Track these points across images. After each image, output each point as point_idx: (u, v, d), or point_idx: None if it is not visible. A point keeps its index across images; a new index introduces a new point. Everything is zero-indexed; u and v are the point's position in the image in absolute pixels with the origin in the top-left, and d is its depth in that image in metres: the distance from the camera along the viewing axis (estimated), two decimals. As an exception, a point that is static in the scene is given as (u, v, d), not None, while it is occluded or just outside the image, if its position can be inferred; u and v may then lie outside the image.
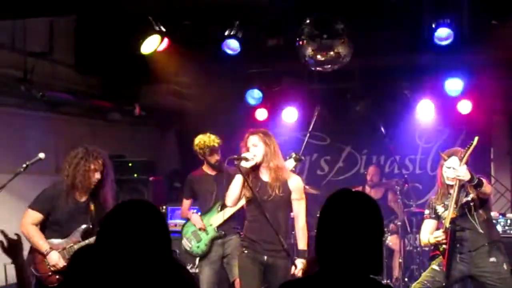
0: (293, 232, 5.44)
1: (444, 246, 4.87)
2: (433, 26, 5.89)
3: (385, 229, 7.39)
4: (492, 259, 4.83)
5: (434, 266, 5.02)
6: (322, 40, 5.96)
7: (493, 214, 6.12)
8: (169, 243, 2.42)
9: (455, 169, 4.82)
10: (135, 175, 7.98)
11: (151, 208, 2.43)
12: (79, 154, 4.73)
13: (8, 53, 6.38)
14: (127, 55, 6.56)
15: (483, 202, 4.91)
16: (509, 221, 6.87)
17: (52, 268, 4.59)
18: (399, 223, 7.34)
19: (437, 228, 5.05)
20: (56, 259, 4.57)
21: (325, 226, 2.28)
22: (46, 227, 4.77)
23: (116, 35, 6.62)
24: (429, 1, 5.99)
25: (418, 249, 7.25)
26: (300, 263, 4.63)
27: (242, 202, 5.06)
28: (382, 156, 9.16)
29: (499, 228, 6.57)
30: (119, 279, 2.29)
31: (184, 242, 6.10)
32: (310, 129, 6.86)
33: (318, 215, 2.37)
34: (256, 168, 4.82)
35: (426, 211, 5.21)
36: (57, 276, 4.57)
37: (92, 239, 4.63)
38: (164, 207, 7.81)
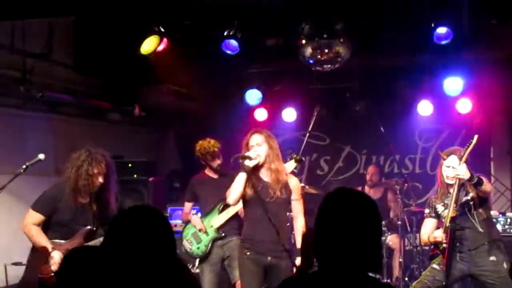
0: (292, 233, 5.45)
1: (444, 245, 4.88)
2: (433, 25, 5.89)
3: (385, 228, 7.39)
4: (492, 258, 4.83)
5: (434, 265, 5.03)
6: (321, 40, 5.96)
7: (493, 213, 6.12)
8: (174, 248, 2.43)
9: (454, 168, 4.83)
10: (135, 175, 7.97)
11: (156, 214, 2.44)
12: (82, 157, 4.73)
13: (7, 54, 6.37)
14: (127, 56, 6.56)
15: (483, 201, 4.91)
16: (509, 220, 6.88)
17: (54, 269, 4.59)
18: (399, 222, 7.34)
19: (437, 227, 5.06)
20: (58, 260, 4.57)
21: (323, 224, 2.29)
22: (48, 228, 4.77)
23: (115, 35, 6.61)
24: (429, 0, 5.99)
25: (418, 248, 7.25)
26: (300, 262, 4.64)
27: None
28: (381, 156, 9.16)
29: (499, 227, 6.58)
30: (126, 283, 2.30)
31: (185, 243, 6.10)
32: (309, 129, 6.85)
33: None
34: (257, 168, 4.82)
35: (426, 210, 5.21)
36: None
37: (96, 241, 4.65)
38: (168, 212, 7.84)
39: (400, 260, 7.23)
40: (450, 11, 5.87)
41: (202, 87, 8.24)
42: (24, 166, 4.78)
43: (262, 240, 4.77)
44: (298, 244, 4.85)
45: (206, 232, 5.99)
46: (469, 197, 4.86)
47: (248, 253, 4.81)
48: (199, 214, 6.30)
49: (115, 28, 6.55)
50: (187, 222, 6.23)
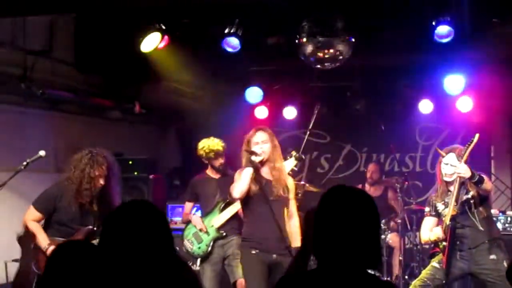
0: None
1: (444, 243, 4.88)
2: (433, 23, 5.88)
3: (385, 227, 7.40)
4: (492, 257, 4.84)
5: (434, 263, 5.03)
6: (322, 38, 5.95)
7: (493, 211, 6.13)
8: (172, 242, 2.42)
9: (452, 165, 4.84)
10: (135, 173, 7.97)
11: (152, 208, 2.44)
12: (84, 159, 4.75)
13: (8, 51, 6.38)
14: (127, 53, 6.55)
15: (483, 200, 4.91)
16: (509, 219, 6.89)
17: None
18: (399, 220, 7.34)
19: (437, 226, 5.06)
20: None
21: (321, 222, 2.30)
22: (48, 227, 4.79)
23: (116, 33, 6.61)
24: (430, -2, 5.99)
25: (418, 246, 7.25)
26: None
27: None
28: (382, 154, 9.17)
29: (499, 225, 6.58)
30: (123, 279, 2.29)
31: (186, 244, 6.09)
32: (310, 127, 6.86)
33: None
34: (259, 166, 4.84)
35: (426, 209, 5.22)
36: None
37: (97, 241, 4.65)
38: (170, 218, 7.87)
39: (400, 258, 7.23)
40: (451, 9, 5.86)
41: (202, 85, 8.24)
42: (24, 163, 4.80)
43: (267, 237, 4.78)
44: (294, 243, 4.85)
45: (207, 232, 5.99)
46: (469, 196, 4.87)
47: (254, 252, 4.80)
48: (199, 213, 6.31)
49: (116, 25, 6.55)
50: (187, 222, 6.23)
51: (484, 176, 4.78)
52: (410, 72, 7.61)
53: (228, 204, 5.96)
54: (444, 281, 4.94)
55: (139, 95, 8.21)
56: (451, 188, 4.94)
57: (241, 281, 5.65)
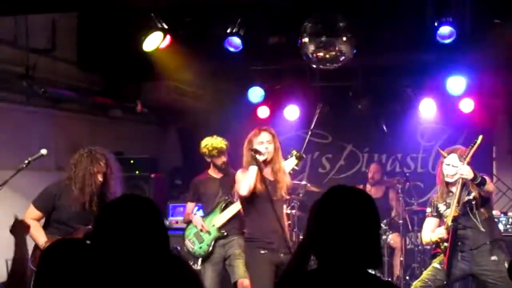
0: (294, 230, 5.48)
1: (445, 244, 4.88)
2: (436, 24, 5.88)
3: (386, 227, 7.39)
4: (494, 258, 4.84)
5: (436, 264, 5.03)
6: (324, 38, 5.95)
7: (495, 212, 6.12)
8: (166, 235, 2.39)
9: (454, 166, 4.83)
10: (137, 172, 7.98)
11: (145, 202, 2.42)
12: (84, 158, 4.76)
13: (10, 50, 6.38)
14: (129, 52, 6.55)
15: (485, 201, 4.91)
16: (510, 220, 6.88)
17: None
18: (400, 221, 7.33)
19: (439, 227, 5.06)
20: None
21: (321, 221, 2.30)
22: (48, 225, 4.80)
23: (118, 32, 6.62)
24: (432, -1, 5.99)
25: (420, 247, 7.25)
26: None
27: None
28: (383, 154, 9.15)
29: (500, 226, 6.58)
30: (118, 277, 2.28)
31: (187, 243, 6.09)
32: (311, 127, 6.87)
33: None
34: (262, 166, 4.86)
35: (428, 209, 5.21)
36: None
37: None
38: (171, 217, 7.86)
39: (401, 259, 7.23)
40: (453, 10, 5.86)
41: (204, 84, 8.24)
42: (26, 162, 4.80)
43: (273, 237, 4.81)
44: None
45: (208, 232, 5.99)
46: (471, 197, 4.86)
47: (262, 252, 4.82)
48: (201, 213, 6.30)
49: (117, 24, 6.56)
50: (188, 222, 6.22)
51: (486, 178, 4.78)
52: (412, 73, 7.61)
53: (229, 204, 5.96)
54: (445, 282, 4.94)
55: (140, 94, 8.21)
56: (453, 189, 4.94)
57: (242, 281, 5.66)
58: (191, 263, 6.46)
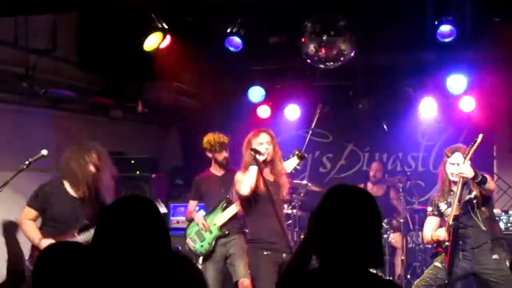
0: (295, 230, 5.49)
1: (446, 243, 4.88)
2: (436, 23, 5.88)
3: (388, 227, 7.39)
4: (495, 256, 4.84)
5: (437, 263, 5.03)
6: (324, 37, 5.95)
7: (496, 211, 6.12)
8: (167, 236, 2.39)
9: (459, 165, 4.83)
10: (137, 172, 7.98)
11: (146, 202, 2.42)
12: (73, 151, 4.85)
13: (10, 50, 6.37)
14: (130, 52, 6.56)
15: (486, 200, 4.91)
16: (511, 218, 6.87)
17: None
18: (401, 220, 7.34)
19: (440, 226, 5.06)
20: None
21: (322, 220, 2.29)
22: (44, 224, 4.82)
23: (118, 32, 6.62)
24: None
25: (421, 246, 7.26)
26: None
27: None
28: (384, 153, 9.15)
29: (501, 225, 6.57)
30: (119, 274, 2.28)
31: (188, 242, 6.09)
32: (312, 127, 6.87)
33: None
34: (261, 167, 4.87)
35: (429, 208, 5.21)
36: None
37: (88, 234, 4.64)
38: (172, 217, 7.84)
39: (403, 258, 7.23)
40: (454, 8, 5.86)
41: (205, 84, 8.23)
42: (27, 162, 4.80)
43: (275, 237, 4.84)
44: None
45: (209, 230, 5.99)
46: (472, 196, 4.86)
47: (266, 253, 4.84)
48: (203, 211, 6.30)
49: (118, 24, 6.55)
50: (190, 221, 6.23)
51: (487, 176, 4.78)
52: (412, 72, 7.61)
53: (230, 203, 5.96)
54: (446, 281, 4.94)
55: (141, 94, 8.21)
56: (454, 188, 4.93)
57: (242, 281, 5.66)
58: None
